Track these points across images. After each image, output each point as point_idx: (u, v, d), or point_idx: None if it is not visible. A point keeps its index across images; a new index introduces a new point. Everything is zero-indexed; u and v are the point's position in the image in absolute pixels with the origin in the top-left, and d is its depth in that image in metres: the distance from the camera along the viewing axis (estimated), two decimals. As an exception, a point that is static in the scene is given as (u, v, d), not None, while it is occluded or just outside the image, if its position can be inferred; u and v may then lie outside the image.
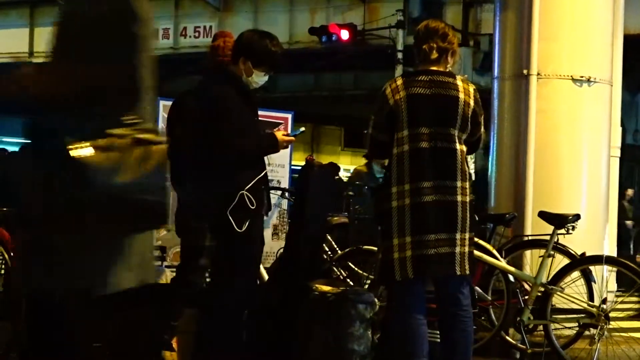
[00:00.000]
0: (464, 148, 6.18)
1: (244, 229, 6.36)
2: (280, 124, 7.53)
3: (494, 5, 11.22)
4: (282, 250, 7.19)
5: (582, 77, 10.55)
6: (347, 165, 26.15)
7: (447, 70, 6.25)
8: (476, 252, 6.80)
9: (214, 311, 6.41)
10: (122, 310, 6.94)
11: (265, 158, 6.72)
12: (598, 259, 8.27)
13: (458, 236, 6.01)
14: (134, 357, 6.94)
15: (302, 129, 7.78)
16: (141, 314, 7.20)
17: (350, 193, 12.85)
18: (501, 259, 8.06)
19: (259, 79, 6.61)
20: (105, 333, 7.21)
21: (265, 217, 6.78)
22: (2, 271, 6.44)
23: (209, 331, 6.44)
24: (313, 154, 18.00)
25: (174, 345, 7.08)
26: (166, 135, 7.20)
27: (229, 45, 7.00)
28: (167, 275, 7.27)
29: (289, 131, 7.27)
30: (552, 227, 7.95)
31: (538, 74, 10.37)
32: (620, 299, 9.08)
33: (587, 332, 7.90)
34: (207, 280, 6.93)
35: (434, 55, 6.19)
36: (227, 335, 6.38)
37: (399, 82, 6.22)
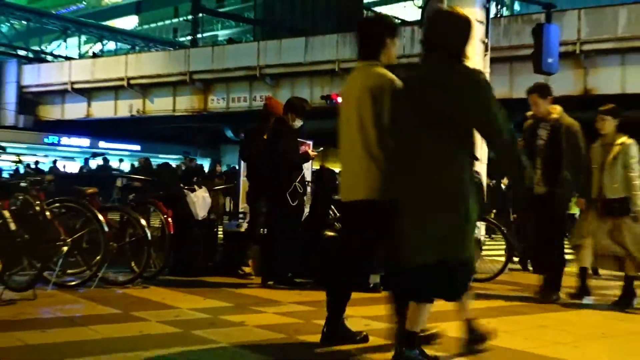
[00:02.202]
0: None
1: (295, 204, 6.41)
2: (307, 144, 7.55)
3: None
4: (307, 213, 7.16)
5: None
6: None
7: None
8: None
9: (278, 240, 6.44)
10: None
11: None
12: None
13: None
14: (232, 270, 6.95)
15: (321, 148, 7.79)
16: (235, 246, 7.21)
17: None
18: None
19: (298, 123, 6.62)
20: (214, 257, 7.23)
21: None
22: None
23: (276, 250, 6.45)
24: (324, 163, 17.94)
25: (250, 263, 7.08)
26: (242, 151, 7.26)
27: (270, 103, 7.16)
28: (244, 226, 7.26)
29: (311, 149, 7.29)
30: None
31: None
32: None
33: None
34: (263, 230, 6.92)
35: None
36: (285, 252, 6.40)
37: None
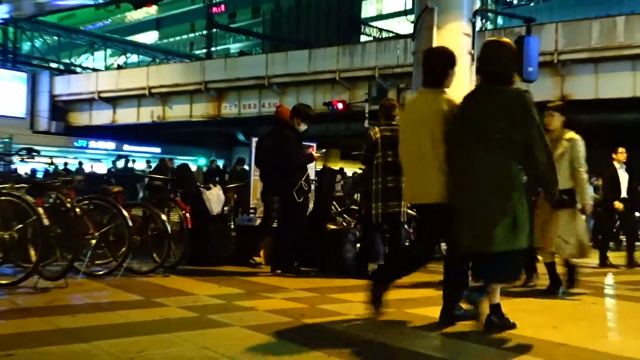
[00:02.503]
0: None
1: (300, 200, 6.40)
2: (311, 146, 7.51)
3: (412, 90, 11.14)
4: (312, 209, 7.15)
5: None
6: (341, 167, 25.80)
7: (396, 122, 6.16)
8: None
9: (286, 233, 6.46)
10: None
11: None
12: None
13: (401, 203, 5.96)
14: (243, 260, 6.94)
15: (324, 150, 7.79)
16: (246, 239, 7.18)
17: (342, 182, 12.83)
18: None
19: (303, 127, 6.62)
20: (229, 248, 7.20)
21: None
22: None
23: (283, 242, 6.47)
24: (326, 163, 18.01)
25: (261, 253, 7.07)
26: (255, 155, 7.19)
27: (280, 110, 6.97)
28: (258, 221, 7.24)
29: (315, 151, 7.26)
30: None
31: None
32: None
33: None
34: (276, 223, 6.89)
35: (394, 114, 6.13)
36: (292, 243, 6.44)
37: (377, 129, 6.05)
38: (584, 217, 5.51)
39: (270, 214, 6.84)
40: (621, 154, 8.48)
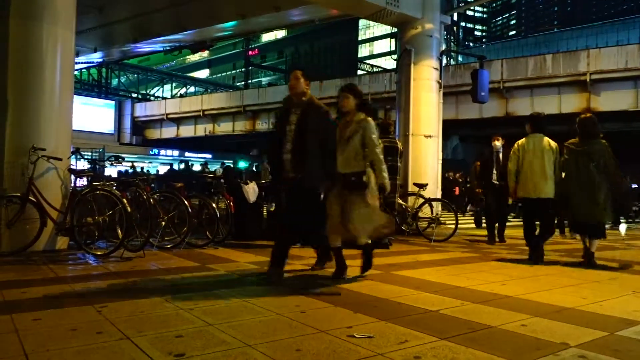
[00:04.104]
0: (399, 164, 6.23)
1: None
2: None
3: (396, 110, 11.06)
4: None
5: (428, 135, 10.34)
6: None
7: (392, 136, 6.06)
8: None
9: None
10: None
11: None
12: (434, 200, 8.10)
13: (396, 195, 5.90)
14: (273, 237, 6.88)
15: None
16: (274, 221, 7.11)
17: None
18: (400, 200, 7.89)
19: None
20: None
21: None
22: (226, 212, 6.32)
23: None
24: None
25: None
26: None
27: None
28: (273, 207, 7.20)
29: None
30: (417, 188, 7.84)
31: (412, 134, 10.16)
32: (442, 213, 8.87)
33: (432, 225, 7.79)
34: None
35: (390, 130, 6.09)
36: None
37: (379, 140, 5.70)
38: (376, 199, 4.01)
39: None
40: None
